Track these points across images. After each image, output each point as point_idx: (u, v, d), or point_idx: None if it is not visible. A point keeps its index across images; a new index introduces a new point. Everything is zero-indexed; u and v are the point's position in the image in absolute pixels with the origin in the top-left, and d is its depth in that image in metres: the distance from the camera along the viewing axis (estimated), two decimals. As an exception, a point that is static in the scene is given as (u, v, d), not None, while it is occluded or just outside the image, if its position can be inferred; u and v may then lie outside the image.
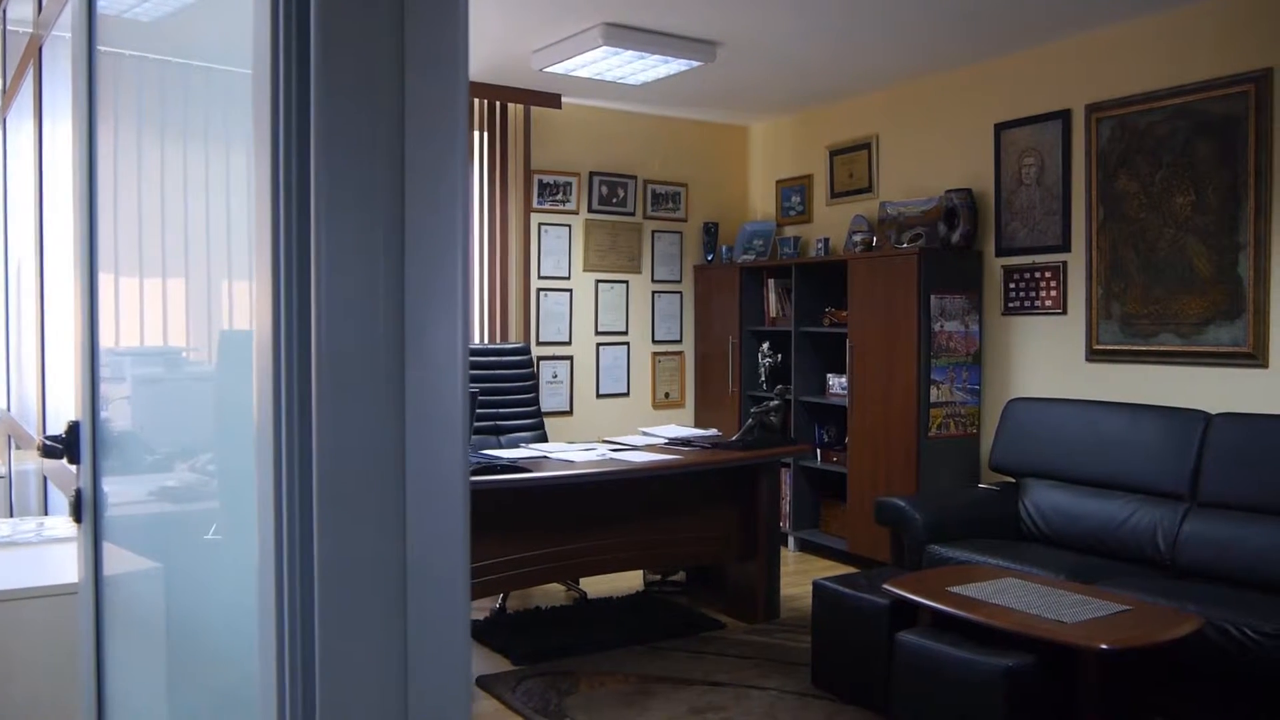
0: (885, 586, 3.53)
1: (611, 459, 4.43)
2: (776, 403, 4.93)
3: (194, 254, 1.61)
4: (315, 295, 1.01)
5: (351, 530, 1.01)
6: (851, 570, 4.89)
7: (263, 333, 1.07)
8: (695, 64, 5.16)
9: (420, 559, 1.04)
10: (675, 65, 5.20)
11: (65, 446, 1.72)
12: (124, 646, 1.71)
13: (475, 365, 5.34)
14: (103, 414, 1.73)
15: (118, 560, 1.76)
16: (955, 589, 3.43)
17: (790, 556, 6.11)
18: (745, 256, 6.70)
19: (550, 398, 6.40)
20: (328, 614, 1.01)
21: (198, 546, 1.62)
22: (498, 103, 6.05)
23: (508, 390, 5.40)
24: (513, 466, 4.11)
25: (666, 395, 6.92)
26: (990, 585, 3.49)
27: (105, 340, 1.79)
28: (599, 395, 6.65)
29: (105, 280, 1.76)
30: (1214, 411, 4.22)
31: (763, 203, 7.08)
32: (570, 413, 6.51)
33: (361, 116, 1.01)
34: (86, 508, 1.71)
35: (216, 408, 1.55)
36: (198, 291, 1.61)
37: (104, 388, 1.86)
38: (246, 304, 1.20)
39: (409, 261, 1.03)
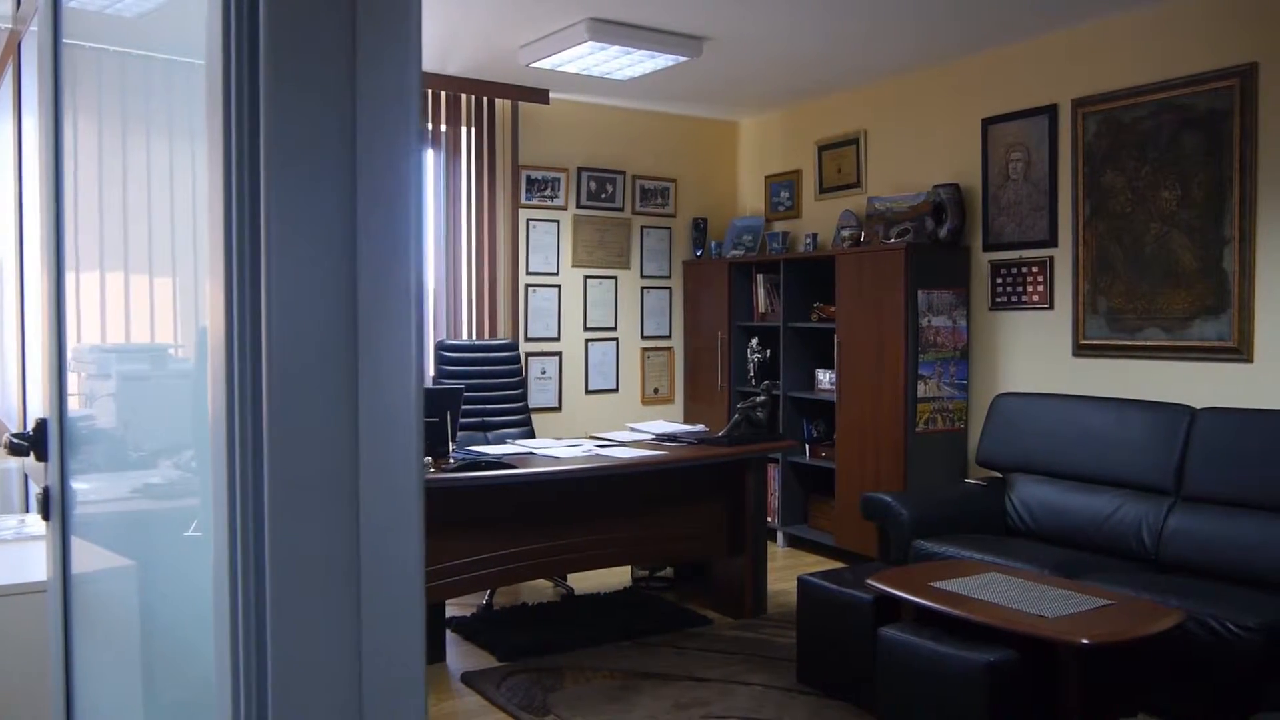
0: (869, 582, 3.53)
1: (597, 455, 4.43)
2: (763, 398, 4.93)
3: (160, 250, 1.60)
4: (266, 291, 1.00)
5: (303, 526, 1.00)
6: (840, 565, 4.89)
7: (216, 329, 1.07)
8: (682, 59, 5.15)
9: (374, 553, 1.03)
10: (662, 60, 5.19)
11: (32, 444, 1.71)
12: (90, 643, 1.70)
13: (462, 362, 5.33)
14: (70, 411, 1.72)
15: (85, 558, 1.75)
16: (938, 584, 3.42)
17: (779, 552, 6.11)
18: (734, 252, 6.69)
19: (539, 394, 6.39)
20: (280, 608, 1.00)
21: (165, 543, 1.61)
22: (485, 98, 6.03)
23: (495, 386, 5.39)
24: (498, 463, 4.10)
25: (656, 391, 6.92)
26: (974, 580, 3.49)
27: (73, 337, 1.78)
28: (588, 391, 6.64)
29: (72, 277, 1.75)
30: (1199, 406, 4.23)
31: (752, 198, 7.08)
32: (559, 409, 6.50)
33: (311, 109, 1.00)
34: (54, 505, 1.70)
35: (182, 405, 1.54)
36: (164, 288, 1.60)
37: (72, 385, 1.85)
38: (206, 300, 1.19)
39: (361, 257, 1.02)
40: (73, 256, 1.81)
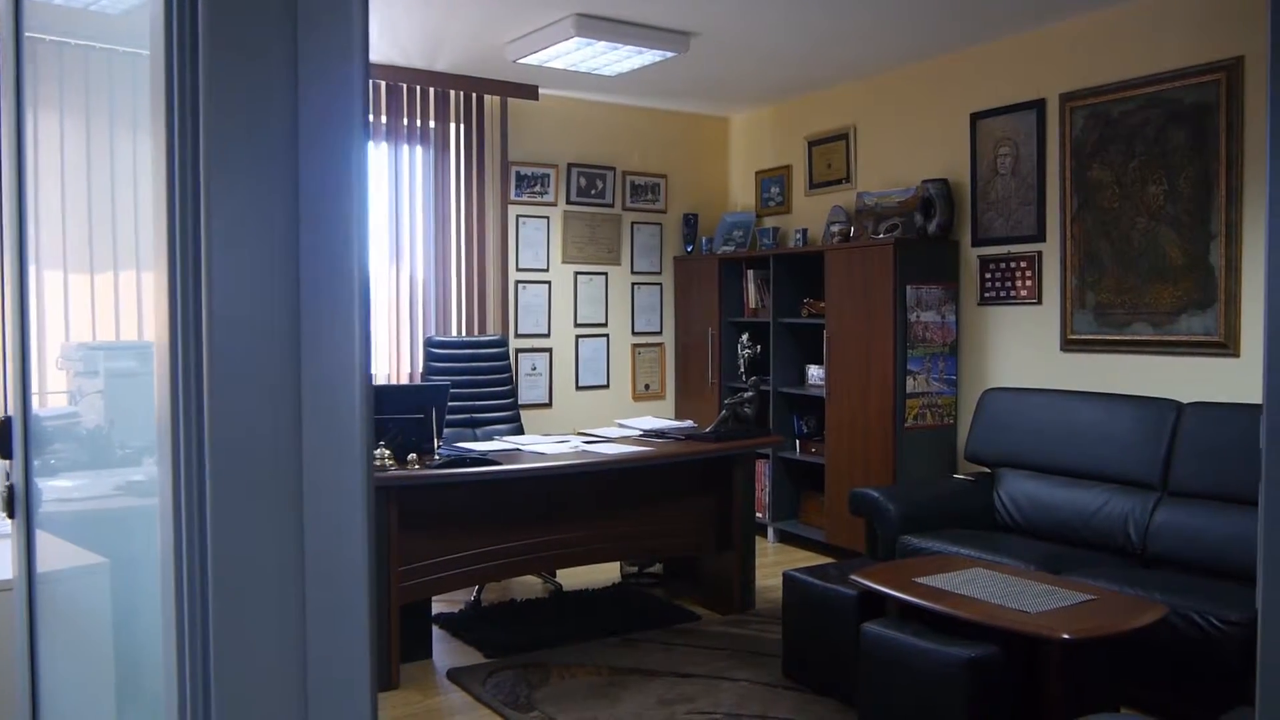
0: (853, 578, 3.52)
1: (584, 451, 4.42)
2: (750, 394, 4.92)
3: (122, 246, 1.59)
4: (207, 289, 0.99)
5: (245, 525, 0.99)
6: (829, 561, 4.89)
7: (160, 326, 1.06)
8: (669, 54, 5.14)
9: (319, 553, 1.02)
10: (649, 56, 5.17)
11: (-5, 441, 1.70)
12: (58, 641, 1.69)
13: (450, 358, 5.32)
14: (34, 409, 1.71)
15: (55, 556, 1.74)
16: (922, 580, 3.42)
17: (770, 547, 6.10)
18: (725, 248, 6.68)
19: (529, 390, 6.39)
20: (223, 608, 0.99)
21: (139, 541, 1.60)
22: (473, 94, 6.01)
23: (484, 383, 5.38)
24: (483, 460, 4.09)
25: (647, 387, 6.91)
26: (958, 576, 3.48)
27: (38, 334, 1.77)
28: (579, 387, 6.63)
29: (38, 273, 1.74)
30: (1186, 401, 4.22)
31: (742, 194, 7.07)
32: (549, 405, 6.49)
33: (252, 99, 0.99)
34: (19, 503, 1.70)
35: (143, 403, 1.53)
36: (126, 285, 1.59)
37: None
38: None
39: (304, 253, 1.01)
40: (46, 254, 1.80)
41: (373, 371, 4.81)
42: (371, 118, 5.74)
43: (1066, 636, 2.89)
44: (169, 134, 1.03)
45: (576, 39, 4.82)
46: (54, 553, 1.77)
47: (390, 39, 5.18)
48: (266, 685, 1.01)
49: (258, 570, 1.00)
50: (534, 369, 6.43)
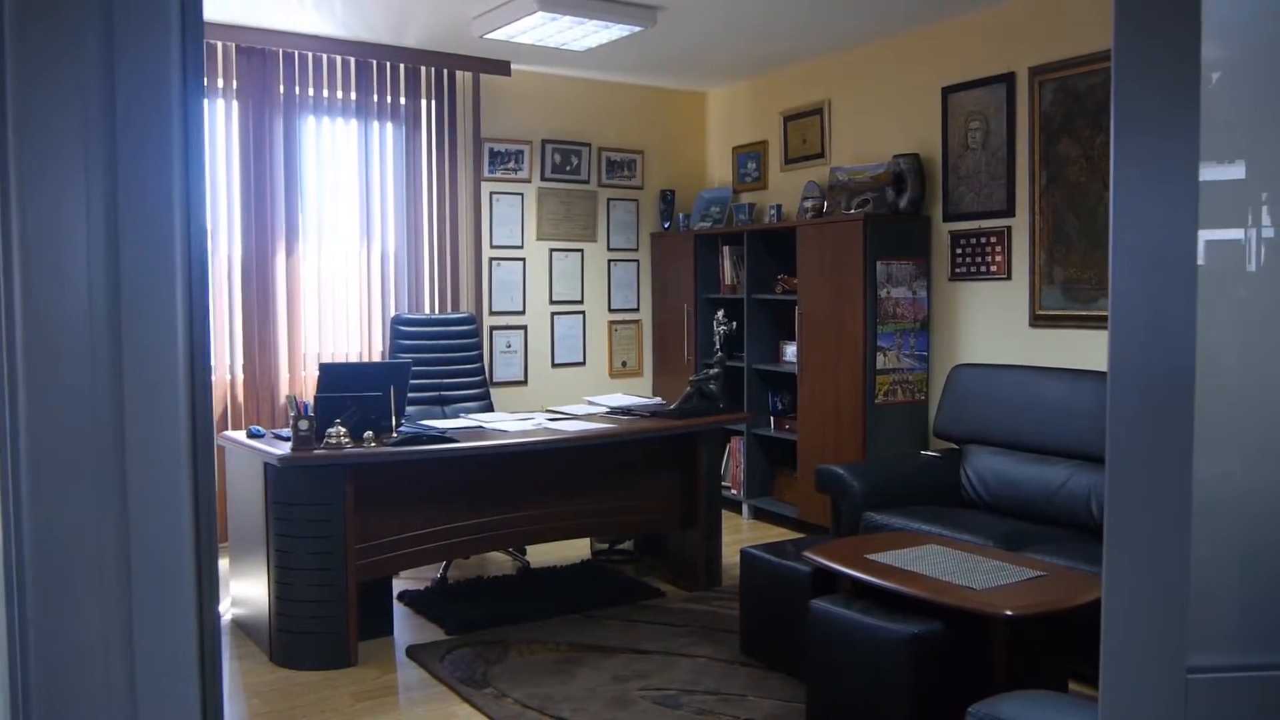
0: (805, 554, 3.52)
1: (546, 428, 4.41)
2: (716, 371, 4.91)
3: None
4: (19, 259, 0.97)
5: (61, 502, 0.98)
6: (795, 537, 4.88)
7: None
8: (636, 29, 5.08)
9: (143, 528, 1.01)
10: (616, 30, 5.12)
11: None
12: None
13: (418, 336, 5.30)
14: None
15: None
16: (874, 556, 3.41)
17: (744, 524, 6.11)
18: (701, 224, 6.65)
19: (504, 368, 6.37)
20: (40, 586, 0.98)
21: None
22: (444, 70, 5.96)
23: (452, 360, 5.36)
24: (441, 437, 4.08)
25: (624, 364, 6.89)
26: (911, 552, 3.47)
27: None
28: (554, 365, 6.62)
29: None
30: (1149, 376, 4.19)
31: (719, 169, 7.02)
32: (524, 383, 6.48)
33: (62, 52, 0.97)
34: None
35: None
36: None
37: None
38: None
39: (123, 223, 0.99)
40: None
41: (344, 350, 4.79)
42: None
43: (1009, 613, 2.88)
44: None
45: (540, 14, 4.77)
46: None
47: (356, 14, 5.13)
48: (89, 670, 1.00)
49: (76, 549, 0.99)
50: (509, 346, 6.42)
